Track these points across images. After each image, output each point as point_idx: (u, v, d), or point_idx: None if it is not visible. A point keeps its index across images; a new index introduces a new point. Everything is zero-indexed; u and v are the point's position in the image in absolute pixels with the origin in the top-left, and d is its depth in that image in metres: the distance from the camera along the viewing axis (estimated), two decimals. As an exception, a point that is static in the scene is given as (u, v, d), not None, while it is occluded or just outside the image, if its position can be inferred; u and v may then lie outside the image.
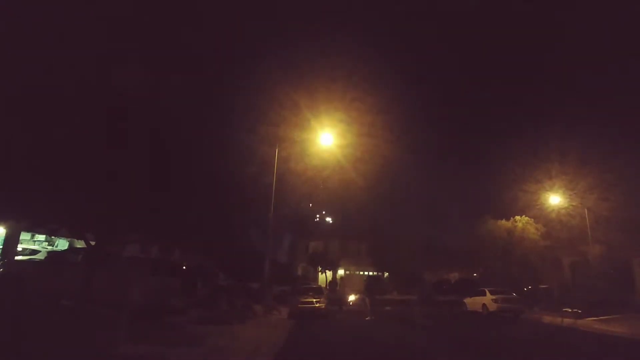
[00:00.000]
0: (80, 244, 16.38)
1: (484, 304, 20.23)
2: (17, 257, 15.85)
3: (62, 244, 22.35)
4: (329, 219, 49.24)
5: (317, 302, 19.29)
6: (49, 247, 21.23)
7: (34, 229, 17.96)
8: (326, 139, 20.12)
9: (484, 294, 20.60)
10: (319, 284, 33.38)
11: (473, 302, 21.49)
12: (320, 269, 39.93)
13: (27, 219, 11.38)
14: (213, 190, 11.67)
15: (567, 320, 16.49)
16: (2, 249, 16.51)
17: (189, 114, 10.07)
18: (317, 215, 47.40)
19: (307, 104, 19.23)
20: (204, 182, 11.00)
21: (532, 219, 29.36)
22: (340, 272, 42.69)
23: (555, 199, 28.75)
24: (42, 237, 21.75)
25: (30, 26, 7.50)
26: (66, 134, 7.86)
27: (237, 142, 13.61)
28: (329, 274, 40.13)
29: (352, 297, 29.63)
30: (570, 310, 17.64)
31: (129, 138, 8.45)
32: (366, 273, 42.78)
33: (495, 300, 19.62)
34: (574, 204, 28.16)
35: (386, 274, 42.07)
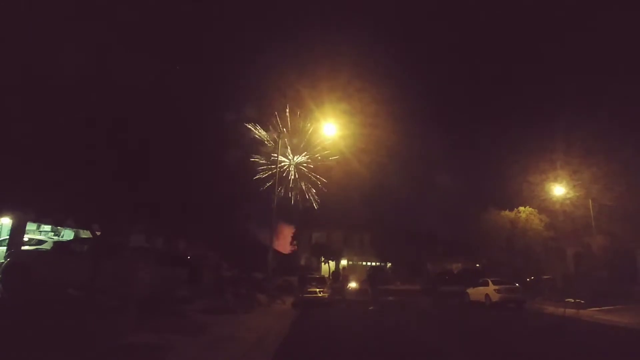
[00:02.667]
0: (86, 234, 16.52)
1: (486, 295, 20.27)
2: (24, 247, 15.99)
3: (67, 234, 22.52)
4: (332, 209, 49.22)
5: (320, 292, 19.48)
6: (55, 238, 21.38)
7: (40, 220, 18.10)
8: (329, 129, 20.07)
9: (487, 285, 20.62)
10: (322, 274, 33.60)
11: (476, 293, 21.52)
12: (323, 259, 40.10)
13: (33, 210, 11.44)
14: (215, 181, 11.70)
15: (570, 311, 16.52)
16: (8, 239, 16.67)
17: (192, 106, 10.04)
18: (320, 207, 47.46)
19: (311, 94, 19.17)
20: (206, 173, 11.02)
21: (536, 210, 29.19)
22: (343, 262, 42.87)
23: (559, 190, 28.54)
24: (48, 227, 21.90)
25: (25, 14, 7.42)
26: (69, 125, 7.86)
27: (240, 133, 13.61)
28: (332, 264, 40.31)
29: (353, 284, 29.77)
30: (573, 301, 17.66)
31: (131, 129, 8.45)
32: (369, 263, 42.96)
33: (498, 291, 19.64)
34: (578, 194, 27.96)
35: (389, 264, 42.26)
